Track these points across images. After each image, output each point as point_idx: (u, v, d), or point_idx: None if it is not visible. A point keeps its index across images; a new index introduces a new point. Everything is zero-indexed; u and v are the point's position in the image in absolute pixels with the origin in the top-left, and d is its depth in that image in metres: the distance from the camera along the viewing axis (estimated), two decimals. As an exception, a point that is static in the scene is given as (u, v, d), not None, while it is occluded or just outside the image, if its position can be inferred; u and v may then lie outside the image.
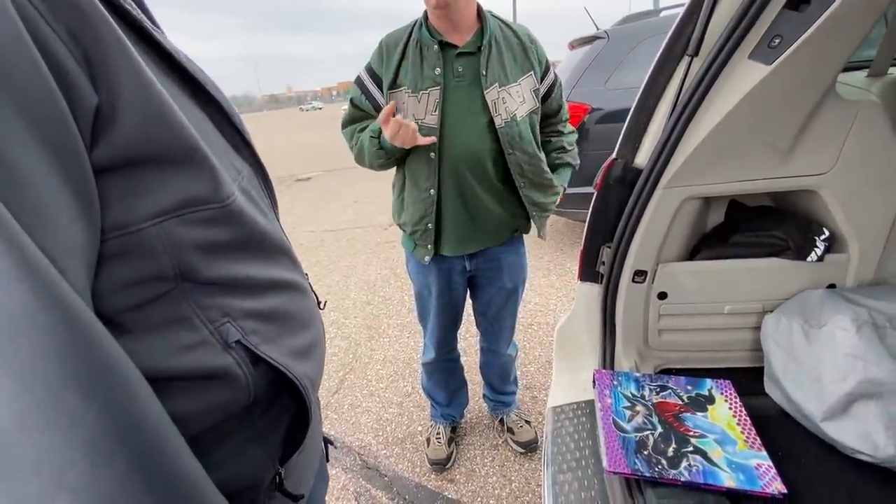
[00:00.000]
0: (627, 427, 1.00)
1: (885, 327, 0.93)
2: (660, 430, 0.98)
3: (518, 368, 2.16)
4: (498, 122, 1.25)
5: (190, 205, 0.39)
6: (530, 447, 1.78)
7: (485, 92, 1.23)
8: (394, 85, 1.26)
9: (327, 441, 0.71)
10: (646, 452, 0.93)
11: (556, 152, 1.53)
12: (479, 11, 1.28)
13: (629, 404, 1.06)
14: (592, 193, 1.17)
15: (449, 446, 1.80)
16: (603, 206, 1.14)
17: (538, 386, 2.16)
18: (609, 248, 1.16)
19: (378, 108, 1.31)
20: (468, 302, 1.65)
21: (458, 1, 1.17)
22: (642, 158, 1.08)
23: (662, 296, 1.19)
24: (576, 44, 3.65)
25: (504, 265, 1.49)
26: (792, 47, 0.84)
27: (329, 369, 2.48)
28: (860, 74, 1.21)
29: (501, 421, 1.90)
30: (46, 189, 0.29)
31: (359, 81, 1.33)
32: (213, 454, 0.43)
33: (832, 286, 1.13)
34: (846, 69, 1.30)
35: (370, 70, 1.30)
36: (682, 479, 0.87)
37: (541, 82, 1.32)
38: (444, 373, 1.75)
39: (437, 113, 1.24)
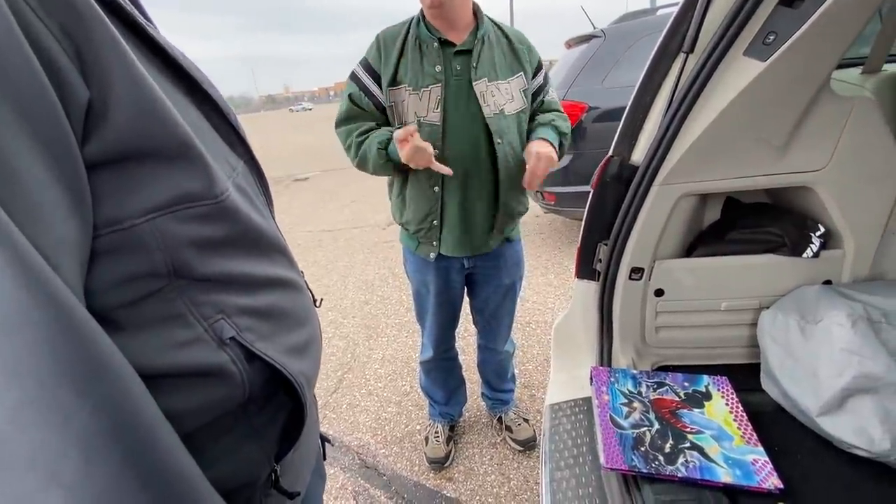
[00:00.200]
0: (624, 424, 1.00)
1: (880, 322, 0.93)
2: (657, 426, 0.99)
3: (516, 367, 2.16)
4: (486, 111, 1.25)
5: (183, 201, 0.39)
6: (528, 445, 1.78)
7: (474, 83, 1.23)
8: (394, 82, 1.25)
9: (324, 439, 0.71)
10: (643, 449, 0.93)
11: (544, 115, 1.41)
12: (476, 11, 1.28)
13: (626, 401, 1.06)
14: (590, 192, 1.17)
15: (447, 445, 1.80)
16: (599, 204, 1.15)
17: (536, 384, 2.17)
18: (606, 245, 1.16)
19: (378, 107, 1.30)
20: (466, 301, 1.65)
21: (453, 0, 1.17)
22: (638, 156, 1.08)
23: (659, 293, 1.20)
24: (572, 43, 3.66)
25: (502, 262, 1.49)
26: (786, 44, 0.84)
27: (327, 369, 2.48)
28: (855, 71, 1.22)
29: (500, 419, 1.90)
30: (38, 185, 0.29)
31: (355, 77, 1.30)
32: (208, 451, 0.43)
33: (828, 282, 1.13)
34: (841, 66, 1.31)
35: (367, 66, 1.28)
36: (679, 474, 0.87)
37: (532, 80, 1.32)
38: (442, 371, 1.76)
39: (439, 110, 1.24)
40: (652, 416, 1.01)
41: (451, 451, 1.80)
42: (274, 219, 0.58)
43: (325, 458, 0.72)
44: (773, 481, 0.84)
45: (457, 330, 1.72)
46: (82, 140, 0.33)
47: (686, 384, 1.10)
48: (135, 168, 0.36)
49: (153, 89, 0.37)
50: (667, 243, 1.16)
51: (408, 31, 1.25)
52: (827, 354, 0.94)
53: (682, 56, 0.98)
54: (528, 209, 1.48)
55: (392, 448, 1.90)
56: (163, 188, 0.38)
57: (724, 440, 0.94)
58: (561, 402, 1.21)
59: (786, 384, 1.01)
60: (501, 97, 1.26)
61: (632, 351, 1.26)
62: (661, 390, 1.08)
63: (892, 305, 0.96)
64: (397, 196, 1.41)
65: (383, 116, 1.32)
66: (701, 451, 0.92)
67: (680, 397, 1.06)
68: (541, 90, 1.36)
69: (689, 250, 1.23)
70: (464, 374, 1.89)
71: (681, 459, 0.90)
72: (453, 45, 1.23)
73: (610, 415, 1.02)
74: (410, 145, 1.12)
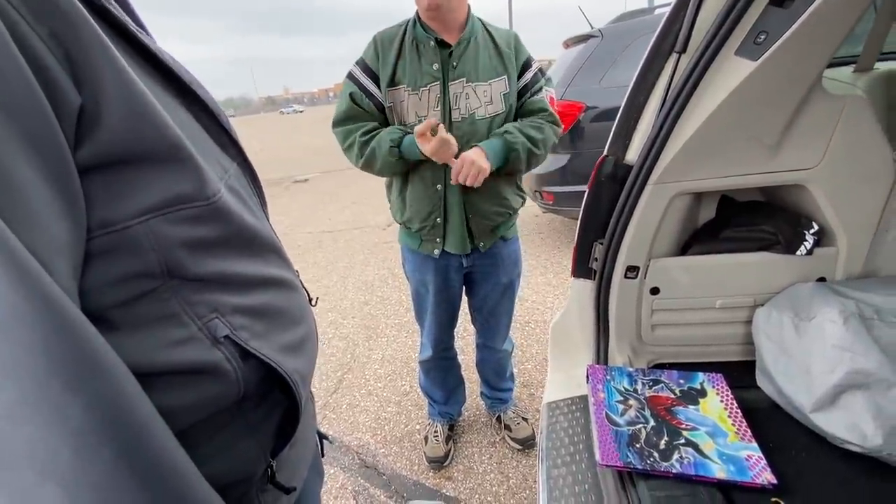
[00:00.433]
0: (620, 421, 1.01)
1: (872, 319, 0.94)
2: (652, 423, 0.99)
3: (515, 366, 2.17)
4: (455, 115, 1.25)
5: (175, 203, 0.40)
6: (527, 444, 1.79)
7: (449, 84, 1.23)
8: (392, 83, 1.26)
9: (322, 436, 0.71)
10: (638, 445, 0.94)
11: (520, 121, 1.34)
12: (467, 13, 1.29)
13: (622, 398, 1.07)
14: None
15: (446, 444, 1.81)
16: (594, 203, 1.15)
17: (535, 383, 2.17)
18: (601, 244, 1.17)
19: (378, 107, 1.30)
20: (465, 301, 1.66)
21: (450, 2, 1.18)
22: (633, 155, 1.09)
23: (655, 291, 1.20)
24: (570, 42, 3.67)
25: (499, 261, 1.50)
26: (777, 43, 0.85)
27: (327, 369, 2.49)
28: (847, 70, 1.22)
29: (499, 418, 1.91)
30: (31, 188, 0.30)
31: (353, 78, 1.30)
32: (204, 447, 0.44)
33: (822, 279, 1.14)
34: (833, 64, 1.31)
35: (365, 67, 1.29)
36: (674, 471, 0.88)
37: (518, 80, 1.31)
38: (441, 370, 1.76)
39: (439, 108, 1.25)
40: (647, 413, 1.02)
41: (450, 450, 1.81)
42: (268, 219, 0.59)
43: (322, 456, 0.73)
44: (766, 477, 0.85)
45: (456, 329, 1.73)
46: (75, 144, 0.34)
47: (681, 381, 1.10)
48: (127, 171, 0.37)
49: (143, 93, 0.38)
50: (662, 242, 1.17)
51: (405, 33, 1.26)
52: (820, 351, 0.95)
53: (674, 56, 0.99)
54: (514, 211, 1.45)
55: (392, 447, 1.91)
56: (155, 190, 0.39)
57: (718, 436, 0.95)
58: (558, 401, 1.21)
59: (780, 381, 1.02)
60: (476, 100, 1.26)
61: (628, 349, 1.27)
62: (656, 388, 1.09)
63: (885, 302, 0.96)
64: (398, 195, 1.42)
65: (382, 116, 1.33)
66: (695, 447, 0.93)
67: (675, 394, 1.07)
68: (527, 89, 1.33)
69: (685, 249, 1.24)
70: (463, 373, 1.90)
71: (675, 456, 0.91)
72: (449, 45, 1.24)
73: (606, 412, 1.03)
74: (437, 138, 1.13)
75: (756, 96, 0.93)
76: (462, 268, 1.48)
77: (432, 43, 1.23)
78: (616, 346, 1.25)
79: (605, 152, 1.12)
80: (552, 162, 3.32)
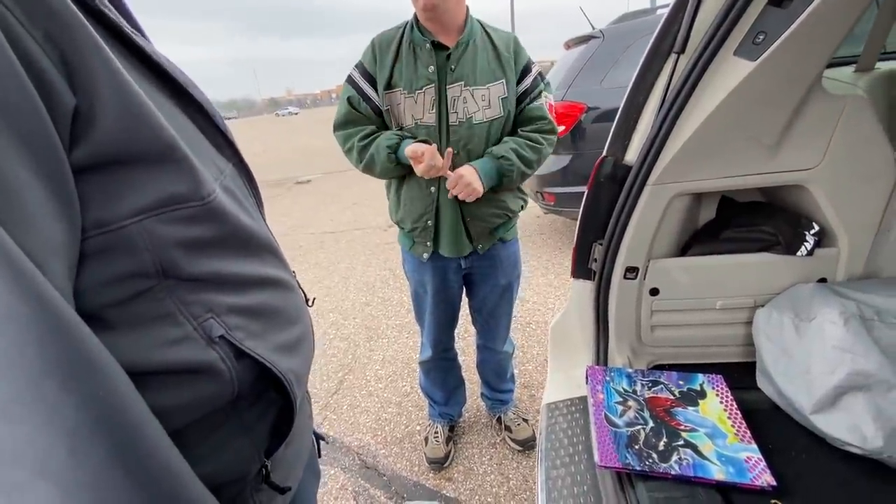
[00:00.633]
0: (619, 422, 1.00)
1: (873, 320, 0.93)
2: (651, 424, 0.99)
3: (516, 367, 2.17)
4: (452, 119, 1.25)
5: (170, 203, 0.40)
6: (528, 445, 1.79)
7: (447, 87, 1.24)
8: (389, 86, 1.27)
9: (319, 437, 0.71)
10: (637, 447, 0.94)
11: (515, 139, 1.33)
12: (466, 15, 1.29)
13: (621, 399, 1.06)
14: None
15: (447, 445, 1.81)
16: (594, 204, 1.15)
17: (536, 384, 2.17)
18: (601, 245, 1.16)
19: (376, 110, 1.31)
20: (465, 301, 1.66)
21: (447, 3, 1.18)
22: (632, 155, 1.09)
23: (654, 292, 1.20)
24: (571, 43, 3.66)
25: (498, 262, 1.50)
26: (776, 43, 0.85)
27: (328, 370, 2.49)
28: (847, 70, 1.22)
29: (499, 419, 1.90)
30: (26, 189, 0.30)
31: (352, 82, 1.32)
32: (199, 446, 0.44)
33: (823, 280, 1.13)
34: (834, 64, 1.31)
35: (363, 70, 1.30)
36: (673, 472, 0.88)
37: (517, 85, 1.31)
38: (440, 371, 1.76)
39: (434, 111, 1.25)
40: (646, 414, 1.02)
41: (450, 451, 1.81)
42: (264, 220, 0.59)
43: (319, 456, 0.73)
44: (765, 478, 0.84)
45: (456, 330, 1.73)
46: (69, 145, 0.34)
47: (681, 382, 1.10)
48: (121, 172, 0.37)
49: (138, 94, 0.38)
50: (661, 243, 1.16)
51: (402, 36, 1.26)
52: (820, 352, 0.95)
53: (673, 56, 0.99)
54: (513, 213, 1.44)
55: (392, 448, 1.91)
56: (149, 191, 0.39)
57: (717, 438, 0.94)
58: (557, 401, 1.21)
59: (780, 382, 1.02)
60: (473, 104, 1.26)
61: (627, 350, 1.26)
62: (655, 389, 1.09)
63: (886, 303, 0.96)
64: (394, 194, 1.43)
65: (380, 119, 1.33)
66: (695, 448, 0.92)
67: (675, 396, 1.06)
68: (526, 94, 1.32)
69: (684, 249, 1.23)
70: (463, 374, 1.90)
71: (674, 457, 0.91)
72: (446, 47, 1.24)
73: (605, 413, 1.03)
74: (425, 164, 1.16)
75: (755, 96, 0.92)
76: (461, 269, 1.48)
77: (428, 45, 1.23)
78: (616, 347, 1.25)
79: (604, 153, 1.12)
80: (553, 163, 3.32)
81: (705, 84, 0.94)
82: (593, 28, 3.55)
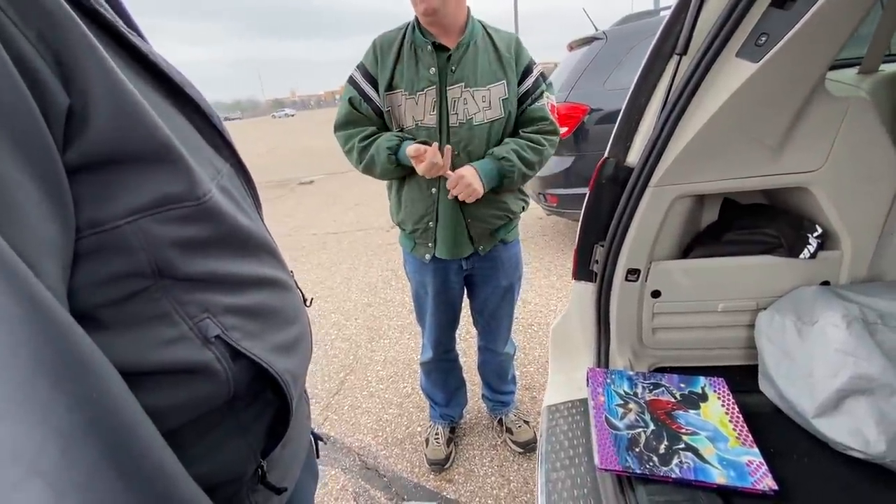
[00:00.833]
0: (620, 425, 1.00)
1: (876, 323, 0.93)
2: (652, 427, 0.99)
3: (517, 368, 2.16)
4: (452, 120, 1.25)
5: (165, 203, 0.40)
6: (529, 447, 1.78)
7: (447, 88, 1.23)
8: (390, 87, 1.27)
9: (317, 437, 0.71)
10: (637, 450, 0.94)
11: (516, 140, 1.33)
12: (467, 16, 1.28)
13: (622, 402, 1.06)
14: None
15: (447, 447, 1.81)
16: (595, 205, 1.15)
17: (537, 386, 2.16)
18: (602, 247, 1.16)
19: (377, 111, 1.31)
20: (466, 302, 1.65)
21: (447, 6, 1.18)
22: (633, 157, 1.08)
23: (656, 294, 1.20)
24: (574, 45, 3.66)
25: (500, 263, 1.50)
26: (778, 45, 0.84)
27: (330, 370, 2.49)
28: (851, 72, 1.21)
29: (500, 421, 1.90)
30: (19, 189, 0.30)
31: (353, 82, 1.32)
32: (195, 447, 0.44)
33: (826, 283, 1.13)
34: (837, 66, 1.30)
35: (364, 71, 1.30)
36: (673, 475, 0.87)
37: (518, 86, 1.30)
38: (441, 372, 1.76)
39: (434, 113, 1.25)
40: (647, 417, 1.01)
41: (451, 452, 1.81)
42: (262, 220, 0.59)
43: (317, 457, 0.73)
44: (767, 482, 0.84)
45: (458, 332, 1.73)
46: (63, 145, 0.34)
47: (682, 385, 1.10)
48: (116, 171, 0.37)
49: (132, 94, 0.38)
50: (663, 245, 1.16)
51: (403, 37, 1.26)
52: (822, 356, 0.94)
53: (675, 58, 0.99)
54: (514, 215, 1.44)
55: (393, 449, 1.90)
56: (144, 190, 0.39)
57: (719, 441, 0.94)
58: (558, 404, 1.21)
59: (782, 385, 1.01)
60: (474, 105, 1.25)
61: (629, 352, 1.26)
62: (656, 391, 1.08)
63: (889, 306, 0.95)
64: (395, 195, 1.43)
65: (381, 121, 1.33)
66: (695, 452, 0.92)
67: (676, 398, 1.06)
68: (528, 95, 1.31)
69: (686, 251, 1.23)
70: (465, 375, 1.90)
71: (675, 460, 0.90)
72: (447, 49, 1.24)
73: (605, 416, 1.02)
74: (427, 162, 1.16)
75: (757, 98, 0.92)
76: (462, 270, 1.48)
77: (429, 47, 1.23)
78: (617, 350, 1.25)
79: (605, 154, 1.12)
80: (556, 164, 3.31)
81: (707, 86, 0.94)
82: (596, 29, 3.54)
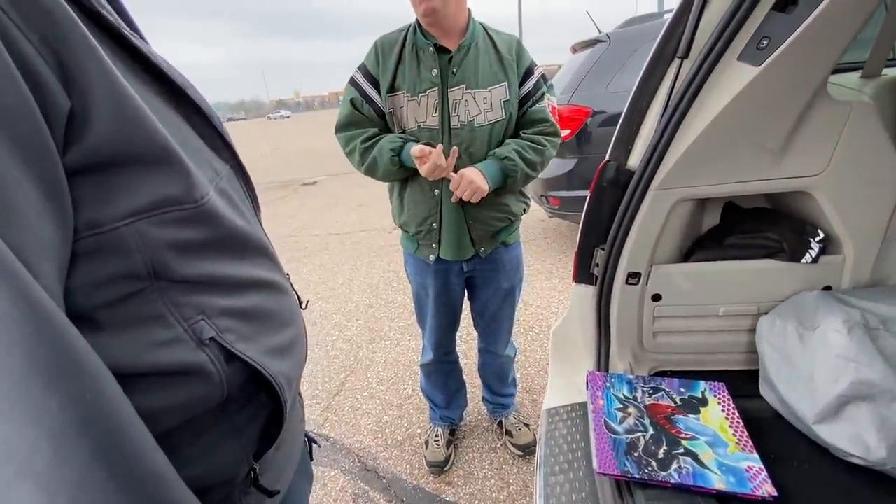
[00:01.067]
0: (619, 429, 0.99)
1: (877, 329, 0.92)
2: (651, 431, 0.98)
3: (518, 371, 2.16)
4: (454, 122, 1.25)
5: (163, 205, 0.40)
6: (528, 450, 1.78)
7: (448, 90, 1.23)
8: (392, 89, 1.27)
9: (311, 440, 0.71)
10: (636, 454, 0.93)
11: (518, 140, 1.33)
12: (468, 18, 1.28)
13: (621, 406, 1.05)
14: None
15: (447, 449, 1.80)
16: (596, 208, 1.15)
17: (538, 389, 2.16)
18: (603, 250, 1.16)
19: (378, 113, 1.31)
20: (467, 304, 1.65)
21: (447, 7, 1.18)
22: (635, 160, 1.08)
23: (657, 298, 1.19)
24: (578, 47, 3.66)
25: (501, 266, 1.50)
26: (780, 49, 0.84)
27: (330, 371, 2.49)
28: (854, 76, 1.21)
29: (500, 424, 1.89)
30: (18, 189, 0.30)
31: (354, 83, 1.32)
32: (188, 448, 0.44)
33: (828, 288, 1.12)
34: (840, 70, 1.30)
35: (366, 72, 1.30)
36: (672, 480, 0.87)
37: (519, 88, 1.30)
38: (441, 374, 1.76)
39: (437, 114, 1.25)
40: (646, 421, 1.01)
41: (450, 454, 1.80)
42: (260, 222, 0.59)
43: (311, 459, 0.73)
44: (766, 489, 0.83)
45: (458, 334, 1.73)
46: (63, 147, 0.34)
47: (682, 390, 1.09)
48: (115, 174, 0.38)
49: (133, 97, 0.38)
50: (664, 248, 1.16)
51: (405, 39, 1.26)
52: (823, 361, 0.93)
53: (677, 61, 0.98)
54: (515, 216, 1.44)
55: (392, 451, 1.90)
56: (142, 193, 0.39)
57: (718, 446, 0.93)
58: (557, 407, 1.20)
59: (783, 391, 1.00)
60: (475, 107, 1.25)
61: (629, 356, 1.25)
62: (656, 395, 1.08)
63: (891, 312, 0.94)
64: (397, 198, 1.43)
65: (383, 122, 1.33)
66: (695, 457, 0.91)
67: (675, 403, 1.05)
68: (529, 97, 1.32)
69: (687, 255, 1.22)
70: (465, 377, 1.90)
71: (674, 465, 0.90)
72: (448, 51, 1.24)
73: (604, 420, 1.02)
74: (431, 163, 1.16)
75: (759, 102, 0.92)
76: (463, 272, 1.48)
77: (431, 49, 1.23)
78: (617, 353, 1.24)
79: (606, 157, 1.11)
80: (558, 166, 3.31)
81: (709, 89, 0.94)
82: (600, 32, 3.54)
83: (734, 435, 0.95)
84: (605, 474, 0.91)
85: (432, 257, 1.42)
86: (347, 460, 1.87)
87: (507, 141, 1.32)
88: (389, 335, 2.80)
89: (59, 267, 0.34)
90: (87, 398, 0.30)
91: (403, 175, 1.33)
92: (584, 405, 1.16)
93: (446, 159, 1.19)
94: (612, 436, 0.98)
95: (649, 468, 0.90)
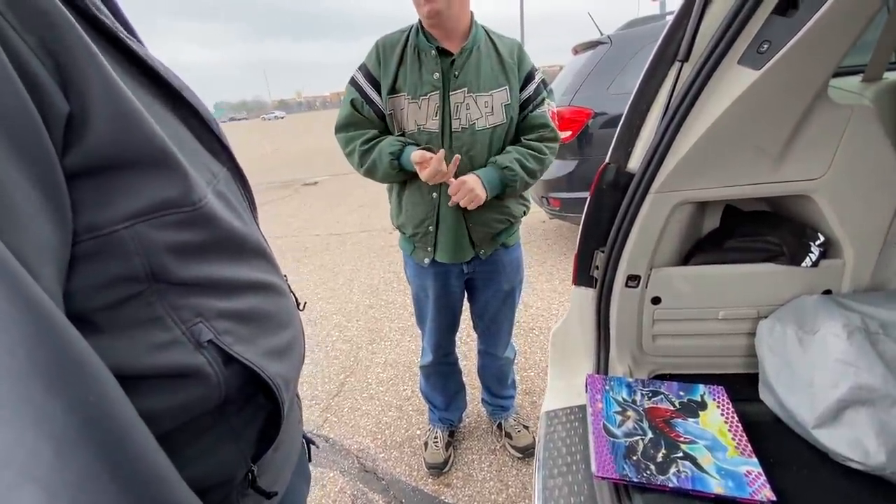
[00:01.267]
0: (617, 432, 0.99)
1: (877, 333, 0.92)
2: (650, 435, 0.98)
3: (517, 373, 2.16)
4: (455, 125, 1.25)
5: (161, 208, 0.40)
6: (528, 452, 1.77)
7: (450, 94, 1.23)
8: (393, 90, 1.27)
9: (309, 441, 0.71)
10: (635, 458, 0.93)
11: (517, 148, 1.33)
12: (471, 21, 1.28)
13: (620, 409, 1.05)
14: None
15: (446, 450, 1.80)
16: (596, 211, 1.14)
17: (538, 391, 2.16)
18: (602, 252, 1.16)
19: (379, 114, 1.31)
20: (466, 305, 1.65)
21: (451, 9, 1.18)
22: (635, 163, 1.08)
23: (656, 301, 1.19)
24: (579, 49, 3.66)
25: (501, 268, 1.50)
26: (780, 52, 0.84)
27: (330, 372, 2.49)
28: (855, 79, 1.20)
29: (500, 426, 1.89)
30: (18, 193, 0.30)
31: (355, 84, 1.32)
32: (186, 450, 0.44)
33: (828, 292, 1.12)
34: (841, 74, 1.29)
35: (367, 73, 1.30)
36: (671, 484, 0.87)
37: (520, 92, 1.30)
38: (441, 376, 1.76)
39: (437, 118, 1.25)
40: (645, 424, 1.01)
41: (450, 456, 1.80)
42: (257, 224, 0.59)
43: (310, 460, 0.73)
44: (765, 493, 0.83)
45: (458, 335, 1.73)
46: (62, 150, 0.34)
47: (681, 393, 1.09)
48: (114, 177, 0.38)
49: (130, 101, 0.38)
50: (664, 251, 1.15)
51: (407, 40, 1.26)
52: (823, 365, 0.93)
53: (677, 64, 0.98)
54: (515, 218, 1.44)
55: (391, 452, 1.90)
56: (141, 196, 0.39)
57: (717, 451, 0.93)
58: (557, 409, 1.20)
59: (783, 395, 1.00)
60: (476, 111, 1.25)
61: (629, 359, 1.25)
62: (655, 399, 1.07)
63: (891, 316, 0.94)
64: (395, 199, 1.43)
65: (383, 124, 1.33)
66: (693, 461, 0.91)
67: (674, 406, 1.05)
68: (529, 102, 1.32)
69: (687, 258, 1.22)
70: (465, 379, 1.89)
71: (673, 469, 0.90)
72: (450, 54, 1.24)
73: (603, 423, 1.02)
74: (431, 168, 1.16)
75: (759, 106, 0.91)
76: (463, 274, 1.48)
77: (433, 52, 1.23)
78: (617, 356, 1.24)
79: (606, 160, 1.11)
80: (559, 168, 3.31)
81: (709, 92, 0.94)
82: (601, 34, 3.54)
83: (733, 439, 0.95)
84: (603, 478, 0.91)
85: (427, 260, 1.42)
86: (346, 461, 1.87)
87: (509, 148, 1.32)
88: (389, 336, 2.80)
89: (58, 268, 0.34)
90: (89, 400, 0.30)
91: (403, 178, 1.33)
92: (583, 408, 1.16)
93: (447, 165, 1.19)
94: (611, 439, 0.98)
95: (648, 472, 0.90)
